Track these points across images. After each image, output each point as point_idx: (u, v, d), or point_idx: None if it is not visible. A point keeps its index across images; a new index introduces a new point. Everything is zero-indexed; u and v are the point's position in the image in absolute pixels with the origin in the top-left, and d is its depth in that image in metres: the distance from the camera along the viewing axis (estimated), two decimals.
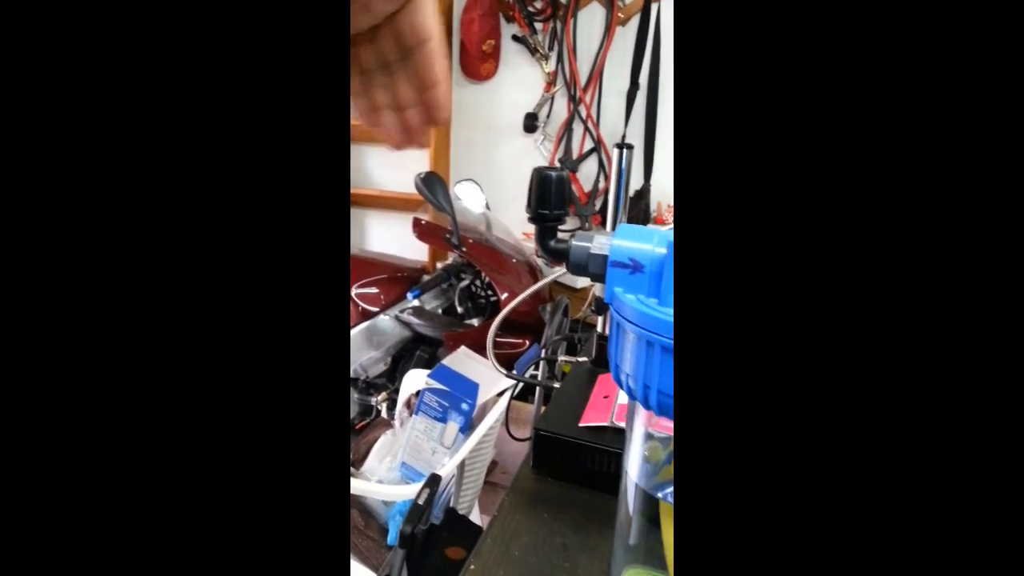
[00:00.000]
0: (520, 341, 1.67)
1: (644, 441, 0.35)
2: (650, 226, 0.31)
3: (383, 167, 2.26)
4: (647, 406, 0.28)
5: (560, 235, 0.35)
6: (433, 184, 1.58)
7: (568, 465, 0.55)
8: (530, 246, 1.83)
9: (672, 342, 0.26)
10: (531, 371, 0.82)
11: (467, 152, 2.26)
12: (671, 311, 0.28)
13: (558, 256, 0.33)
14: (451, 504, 1.15)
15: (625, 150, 0.67)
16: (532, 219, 0.34)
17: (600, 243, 0.32)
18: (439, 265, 1.98)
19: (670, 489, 0.33)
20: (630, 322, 0.28)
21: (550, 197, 0.34)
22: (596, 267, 0.32)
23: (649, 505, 0.34)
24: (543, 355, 0.78)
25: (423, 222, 1.75)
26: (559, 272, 0.51)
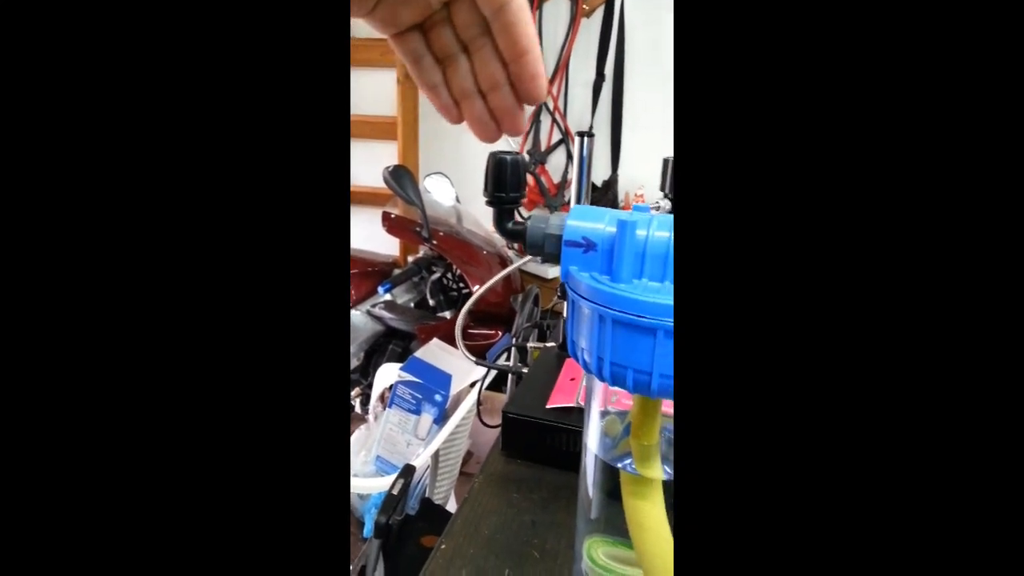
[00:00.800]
0: (492, 332, 1.68)
1: (602, 416, 0.36)
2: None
3: (351, 161, 2.24)
4: (601, 378, 0.29)
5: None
6: (402, 177, 1.58)
7: (536, 446, 0.56)
8: (501, 238, 1.84)
9: (623, 315, 0.27)
10: (503, 360, 0.83)
11: (436, 145, 2.26)
12: (623, 286, 0.29)
13: (515, 237, 0.34)
14: (426, 495, 1.16)
15: (587, 138, 0.68)
16: (489, 202, 0.35)
17: (555, 223, 0.33)
18: (410, 259, 1.97)
19: (629, 460, 0.34)
20: (584, 298, 0.29)
21: (505, 180, 0.35)
22: (551, 247, 0.33)
23: (608, 479, 0.36)
24: (514, 343, 0.80)
25: (393, 216, 1.74)
26: (526, 259, 0.52)
